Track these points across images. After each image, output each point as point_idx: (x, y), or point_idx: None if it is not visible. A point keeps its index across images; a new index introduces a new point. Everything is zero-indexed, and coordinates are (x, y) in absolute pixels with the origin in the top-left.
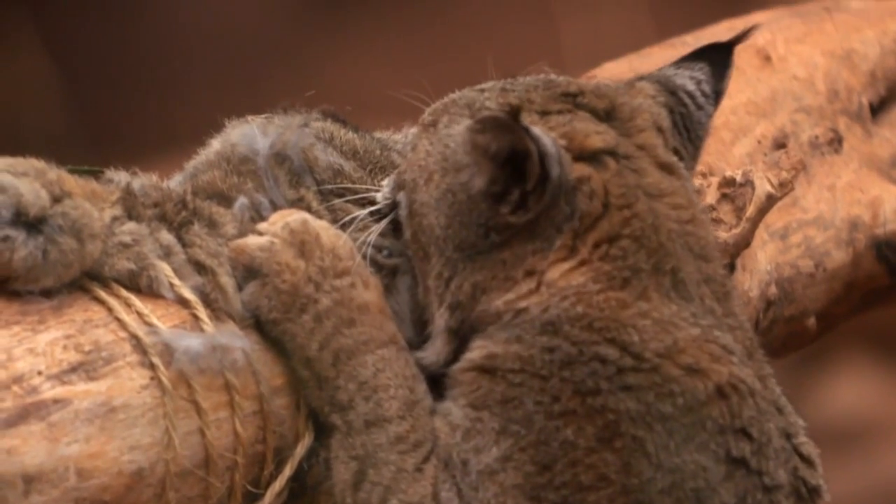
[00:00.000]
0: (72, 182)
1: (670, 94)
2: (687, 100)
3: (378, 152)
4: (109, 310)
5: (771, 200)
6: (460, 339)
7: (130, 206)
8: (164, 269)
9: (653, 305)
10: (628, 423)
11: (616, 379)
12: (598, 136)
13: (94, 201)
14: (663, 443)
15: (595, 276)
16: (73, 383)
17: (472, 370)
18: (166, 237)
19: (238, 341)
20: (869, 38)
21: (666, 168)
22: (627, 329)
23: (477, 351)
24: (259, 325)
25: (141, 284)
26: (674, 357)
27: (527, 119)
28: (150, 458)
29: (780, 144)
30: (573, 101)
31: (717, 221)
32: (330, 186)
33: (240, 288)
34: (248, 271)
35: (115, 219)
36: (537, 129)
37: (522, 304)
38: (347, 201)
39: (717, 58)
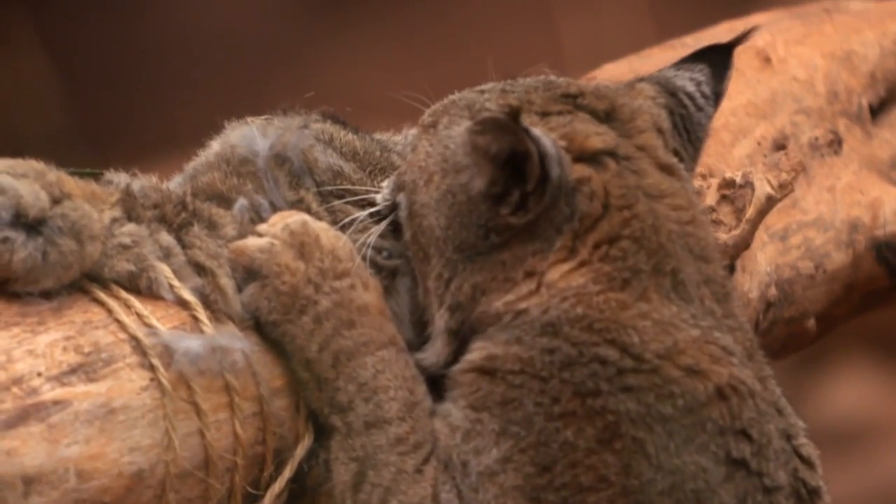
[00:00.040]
0: (71, 183)
1: (670, 95)
2: (687, 101)
3: (378, 154)
4: (109, 311)
5: (771, 202)
6: (460, 340)
7: (130, 207)
8: (164, 271)
9: (653, 306)
10: (628, 424)
11: (616, 380)
12: (599, 137)
13: (93, 203)
14: (663, 444)
15: (595, 277)
16: (72, 385)
17: (471, 371)
18: (166, 238)
19: (238, 343)
20: (869, 39)
21: (666, 169)
22: (627, 330)
23: (477, 352)
24: (259, 326)
25: (141, 286)
26: (674, 358)
27: (527, 120)
28: (150, 460)
29: (779, 146)
30: (573, 102)
31: (717, 223)
32: (330, 188)
33: (239, 289)
34: (248, 273)
35: (114, 220)
36: (537, 130)
37: (522, 305)
38: (347, 203)
39: (717, 59)
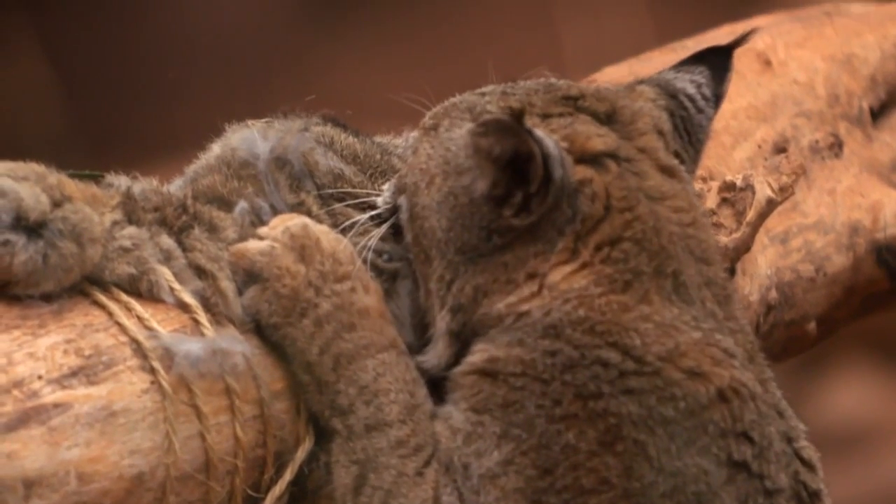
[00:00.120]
0: (72, 186)
1: (671, 97)
2: (687, 103)
3: (378, 157)
4: (110, 314)
5: (771, 205)
6: (462, 342)
7: (131, 210)
8: (165, 274)
9: (654, 309)
10: (630, 426)
11: (618, 382)
12: (600, 138)
13: (94, 206)
14: (665, 446)
15: (597, 278)
16: (73, 387)
17: (473, 374)
18: (167, 241)
19: (238, 345)
20: (869, 42)
21: (667, 171)
22: (629, 332)
23: (478, 354)
24: (259, 329)
25: (141, 289)
26: (675, 361)
27: (528, 122)
28: (151, 463)
29: (780, 149)
30: (574, 104)
31: (718, 226)
32: (330, 191)
33: (240, 292)
34: (249, 276)
35: (115, 223)
36: (540, 132)
37: (524, 307)
38: (348, 206)
39: (717, 61)
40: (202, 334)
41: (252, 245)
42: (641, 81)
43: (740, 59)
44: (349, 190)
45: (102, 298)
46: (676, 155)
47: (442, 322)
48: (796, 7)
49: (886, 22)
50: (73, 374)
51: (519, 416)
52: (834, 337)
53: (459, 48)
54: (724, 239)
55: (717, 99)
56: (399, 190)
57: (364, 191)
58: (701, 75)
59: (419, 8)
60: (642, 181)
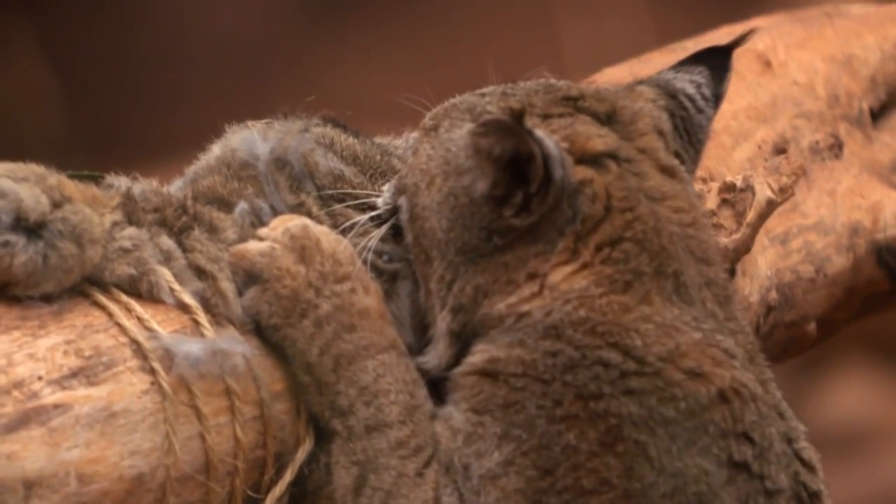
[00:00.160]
0: (72, 187)
1: (670, 97)
2: (687, 103)
3: (378, 157)
4: (110, 315)
5: (771, 206)
6: (462, 342)
7: (131, 211)
8: (165, 275)
9: (655, 309)
10: (630, 427)
11: (618, 383)
12: (600, 139)
13: (94, 206)
14: (665, 447)
15: (597, 279)
16: (73, 388)
17: (473, 374)
18: (167, 242)
19: (238, 346)
20: (869, 43)
21: (667, 171)
22: (630, 333)
23: (479, 355)
24: (259, 330)
25: (141, 289)
26: (676, 361)
27: (528, 122)
28: (151, 463)
29: (780, 150)
30: (574, 104)
31: (718, 226)
32: (330, 192)
33: (240, 293)
34: (249, 276)
35: (115, 224)
36: (540, 132)
37: (525, 307)
38: (348, 206)
39: (716, 61)
40: (202, 335)
41: (252, 246)
42: (641, 82)
43: (740, 59)
44: (349, 191)
45: (102, 299)
46: (676, 155)
47: (442, 322)
48: (796, 8)
49: (886, 23)
50: (74, 374)
51: (519, 417)
52: (834, 338)
53: (459, 49)
54: (724, 240)
55: (717, 99)
56: (399, 191)
57: (364, 192)
58: (700, 75)
59: (419, 9)
60: (643, 181)
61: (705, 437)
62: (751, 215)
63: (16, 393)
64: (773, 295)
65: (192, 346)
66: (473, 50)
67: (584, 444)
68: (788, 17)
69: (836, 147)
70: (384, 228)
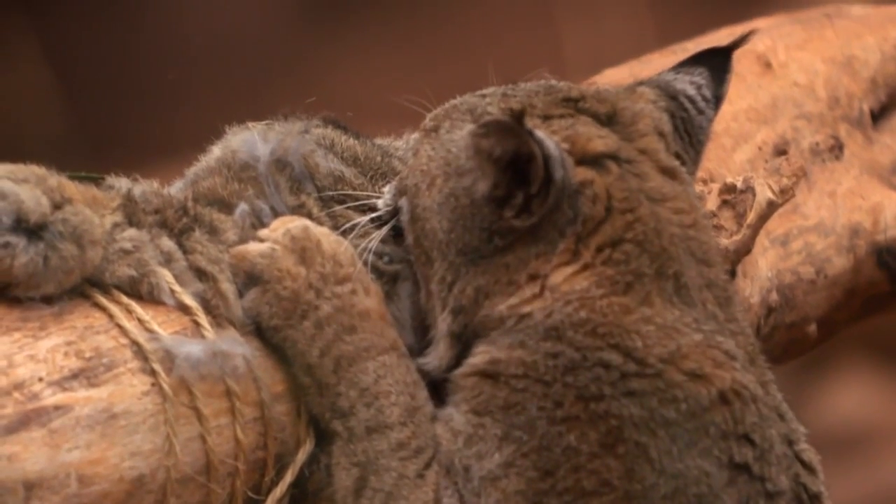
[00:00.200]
0: (72, 188)
1: (671, 98)
2: (688, 104)
3: (379, 159)
4: (110, 316)
5: (772, 207)
6: (463, 343)
7: (131, 212)
8: (165, 276)
9: (656, 310)
10: (631, 428)
11: (619, 384)
12: (601, 140)
13: (94, 208)
14: (666, 448)
15: (598, 280)
16: (74, 390)
17: (474, 375)
18: (167, 243)
19: (239, 348)
20: (870, 44)
21: (668, 172)
22: (631, 334)
23: (480, 356)
24: (260, 331)
25: (142, 291)
26: (677, 362)
27: (529, 123)
28: (151, 465)
29: (780, 151)
30: (575, 105)
31: (718, 228)
32: (331, 193)
33: (241, 294)
34: (250, 278)
35: (115, 225)
36: (541, 133)
37: (526, 308)
38: (348, 208)
39: (717, 62)
40: (203, 336)
41: (253, 247)
42: (641, 83)
43: (740, 61)
44: (350, 192)
45: (103, 300)
46: (677, 156)
47: (443, 324)
48: (796, 9)
49: (887, 24)
50: (74, 376)
51: (520, 418)
52: (834, 339)
53: (460, 50)
54: (724, 241)
55: (717, 100)
56: (400, 192)
57: (365, 193)
58: (701, 77)
59: (420, 10)
60: (643, 182)
61: (706, 438)
62: (751, 217)
63: (16, 394)
64: (774, 296)
65: (192, 348)
66: (474, 51)
67: (584, 445)
68: (789, 19)
69: (837, 148)
70: (385, 230)
